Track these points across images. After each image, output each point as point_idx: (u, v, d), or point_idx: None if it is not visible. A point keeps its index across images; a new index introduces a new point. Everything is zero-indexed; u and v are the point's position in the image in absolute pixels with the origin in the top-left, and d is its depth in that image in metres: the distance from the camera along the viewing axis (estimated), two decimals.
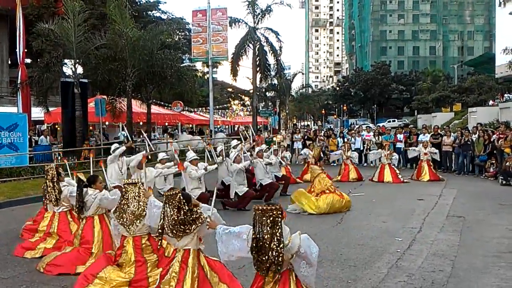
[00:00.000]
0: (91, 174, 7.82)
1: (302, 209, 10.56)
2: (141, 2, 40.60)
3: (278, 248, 3.90)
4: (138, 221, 5.83)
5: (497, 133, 16.94)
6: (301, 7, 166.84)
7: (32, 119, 21.15)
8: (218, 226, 4.56)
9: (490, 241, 8.16)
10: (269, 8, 34.88)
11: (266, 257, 3.93)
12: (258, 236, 3.96)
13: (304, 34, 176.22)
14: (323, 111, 78.66)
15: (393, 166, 16.35)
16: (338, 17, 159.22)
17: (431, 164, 16.52)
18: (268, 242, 3.91)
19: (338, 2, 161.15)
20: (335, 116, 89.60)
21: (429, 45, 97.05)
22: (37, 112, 21.94)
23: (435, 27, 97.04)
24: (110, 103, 21.56)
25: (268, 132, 40.51)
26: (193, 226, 4.82)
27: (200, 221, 4.83)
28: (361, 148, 20.80)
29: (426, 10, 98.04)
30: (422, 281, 6.14)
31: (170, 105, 30.44)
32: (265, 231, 3.93)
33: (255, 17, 34.71)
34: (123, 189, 5.98)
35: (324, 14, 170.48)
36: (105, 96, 21.93)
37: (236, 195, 11.12)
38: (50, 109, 21.45)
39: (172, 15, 43.84)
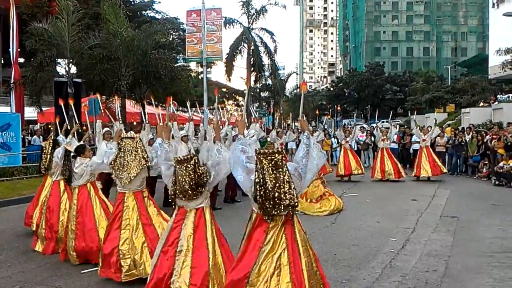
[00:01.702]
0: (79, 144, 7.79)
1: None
2: (135, 2, 40.41)
3: (287, 191, 3.92)
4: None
5: (490, 134, 17.04)
6: (295, 4, 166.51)
7: (25, 118, 21.03)
8: (237, 143, 4.37)
9: (483, 241, 8.20)
10: (263, 9, 34.94)
11: (272, 202, 3.94)
12: (261, 182, 3.96)
13: (299, 35, 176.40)
14: (317, 112, 78.42)
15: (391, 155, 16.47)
16: (332, 18, 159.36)
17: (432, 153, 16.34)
18: (271, 187, 3.92)
19: (332, 3, 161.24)
20: (329, 116, 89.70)
21: (423, 46, 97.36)
22: (30, 112, 21.83)
23: (429, 28, 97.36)
24: (103, 103, 21.47)
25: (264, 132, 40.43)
26: (206, 186, 4.94)
27: (210, 178, 4.94)
28: (355, 149, 20.81)
29: (420, 11, 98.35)
30: (416, 281, 6.16)
31: (163, 105, 30.34)
32: (267, 176, 3.94)
33: (250, 17, 34.77)
34: (120, 143, 6.05)
35: (318, 15, 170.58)
36: (99, 96, 21.84)
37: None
38: (44, 108, 21.34)
39: (167, 15, 43.61)
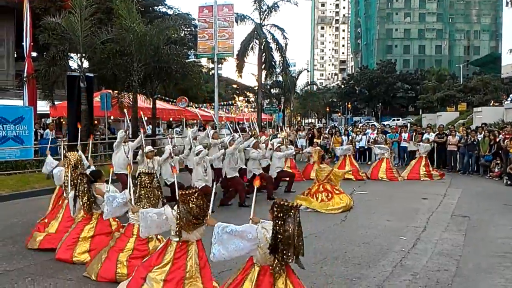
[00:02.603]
0: (94, 169, 7.88)
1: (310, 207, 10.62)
2: None
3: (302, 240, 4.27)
4: None
5: (503, 133, 16.89)
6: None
7: (37, 112, 21.17)
8: (217, 225, 4.51)
9: (494, 241, 8.15)
10: (275, 5, 34.82)
11: (292, 251, 4.19)
12: (284, 232, 4.14)
13: (310, 31, 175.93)
14: (327, 109, 78.34)
15: (390, 163, 16.44)
16: (344, 15, 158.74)
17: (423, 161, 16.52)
18: (295, 237, 4.20)
19: (344, 0, 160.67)
20: (339, 114, 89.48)
21: (435, 44, 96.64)
22: (42, 106, 21.94)
23: (441, 26, 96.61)
24: (115, 97, 21.58)
25: (273, 129, 40.49)
26: (206, 216, 4.98)
27: (208, 210, 5.03)
28: (366, 147, 20.78)
29: (432, 9, 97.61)
30: (427, 280, 6.13)
31: (175, 100, 30.43)
32: (291, 226, 4.15)
33: (262, 13, 34.66)
34: (139, 178, 6.10)
35: (330, 12, 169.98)
36: (110, 91, 21.94)
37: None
38: (56, 103, 21.47)
39: (178, 10, 43.78)
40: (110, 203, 6.25)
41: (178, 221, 4.96)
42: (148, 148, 10.62)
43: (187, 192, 4.94)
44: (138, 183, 6.05)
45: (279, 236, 4.13)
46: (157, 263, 5.17)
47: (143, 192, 5.99)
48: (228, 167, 11.15)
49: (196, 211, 4.87)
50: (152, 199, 6.00)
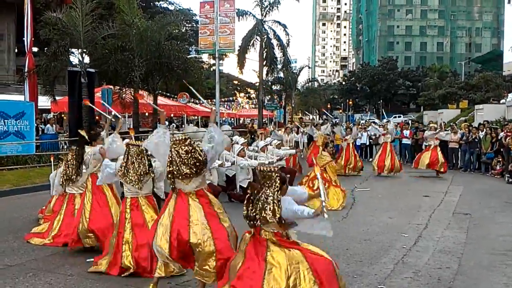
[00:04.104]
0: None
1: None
2: None
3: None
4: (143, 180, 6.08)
5: (505, 131, 16.86)
6: None
7: (38, 107, 21.16)
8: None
9: (496, 238, 8.13)
10: (276, 1, 34.68)
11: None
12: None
13: (311, 28, 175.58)
14: (328, 106, 77.99)
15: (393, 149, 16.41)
16: (345, 11, 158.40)
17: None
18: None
19: None
20: (340, 110, 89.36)
21: (437, 41, 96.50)
22: (43, 101, 21.94)
23: (443, 23, 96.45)
24: (116, 93, 21.56)
25: (273, 126, 40.48)
26: (205, 166, 5.10)
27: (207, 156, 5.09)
28: (367, 143, 20.77)
29: (434, 6, 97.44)
30: (429, 277, 6.11)
31: (176, 96, 30.41)
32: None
33: (263, 9, 34.52)
34: (126, 148, 6.17)
35: (332, 8, 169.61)
36: (111, 86, 21.92)
37: (240, 188, 11.13)
38: (57, 98, 21.46)
39: (180, 6, 43.81)
40: (102, 170, 6.44)
41: (169, 168, 5.03)
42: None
43: (179, 138, 5.06)
44: (126, 153, 6.09)
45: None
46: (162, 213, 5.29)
47: (130, 162, 6.04)
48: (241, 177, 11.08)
49: (185, 157, 4.95)
50: (139, 169, 6.01)
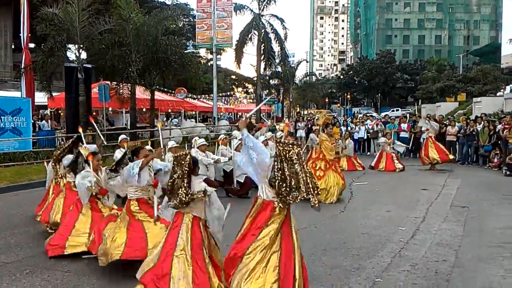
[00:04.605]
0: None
1: None
2: None
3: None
4: None
5: (503, 124, 16.85)
6: None
7: (35, 104, 21.09)
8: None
9: (494, 231, 8.15)
10: None
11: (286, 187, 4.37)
12: (283, 169, 4.37)
13: (309, 22, 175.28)
14: (326, 100, 78.10)
15: (391, 154, 16.37)
16: (343, 5, 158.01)
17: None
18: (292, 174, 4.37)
19: None
20: (338, 104, 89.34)
21: (435, 34, 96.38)
22: (40, 97, 21.86)
23: (441, 16, 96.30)
24: (113, 88, 21.50)
25: (271, 120, 40.47)
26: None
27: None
28: (365, 137, 20.76)
29: None
30: (426, 270, 6.12)
31: (173, 91, 30.35)
32: (289, 166, 4.36)
33: (260, 3, 34.45)
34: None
35: (330, 2, 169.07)
36: (108, 82, 21.84)
37: (238, 183, 11.12)
38: (54, 94, 21.38)
39: (177, 0, 43.60)
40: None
41: (169, 183, 5.04)
42: (171, 143, 10.56)
43: (181, 154, 5.08)
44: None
45: (275, 172, 4.41)
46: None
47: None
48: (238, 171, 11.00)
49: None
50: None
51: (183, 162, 4.93)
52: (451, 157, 16.22)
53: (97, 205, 7.02)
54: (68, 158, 7.75)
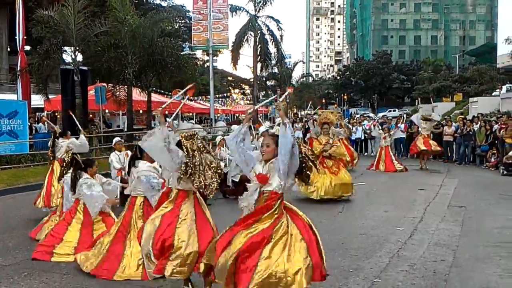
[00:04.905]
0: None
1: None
2: None
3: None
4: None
5: (499, 123, 16.91)
6: None
7: (32, 106, 21.07)
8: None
9: (491, 231, 8.15)
10: None
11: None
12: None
13: (305, 23, 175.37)
14: (323, 100, 78.06)
15: (390, 153, 16.36)
16: (339, 6, 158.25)
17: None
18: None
19: None
20: (335, 105, 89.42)
21: (431, 34, 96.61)
22: (37, 100, 21.85)
23: (437, 16, 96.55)
24: (110, 91, 21.49)
25: (268, 121, 40.46)
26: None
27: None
28: (362, 138, 20.77)
29: None
30: (424, 270, 6.12)
31: (170, 93, 30.33)
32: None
33: (256, 5, 34.51)
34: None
35: (326, 3, 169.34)
36: (105, 84, 21.83)
37: (233, 182, 11.12)
38: (50, 96, 21.36)
39: (172, 2, 43.57)
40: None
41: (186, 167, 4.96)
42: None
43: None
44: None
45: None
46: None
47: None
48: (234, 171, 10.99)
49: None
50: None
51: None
52: (438, 148, 16.39)
53: (90, 219, 6.78)
54: (68, 183, 7.39)
